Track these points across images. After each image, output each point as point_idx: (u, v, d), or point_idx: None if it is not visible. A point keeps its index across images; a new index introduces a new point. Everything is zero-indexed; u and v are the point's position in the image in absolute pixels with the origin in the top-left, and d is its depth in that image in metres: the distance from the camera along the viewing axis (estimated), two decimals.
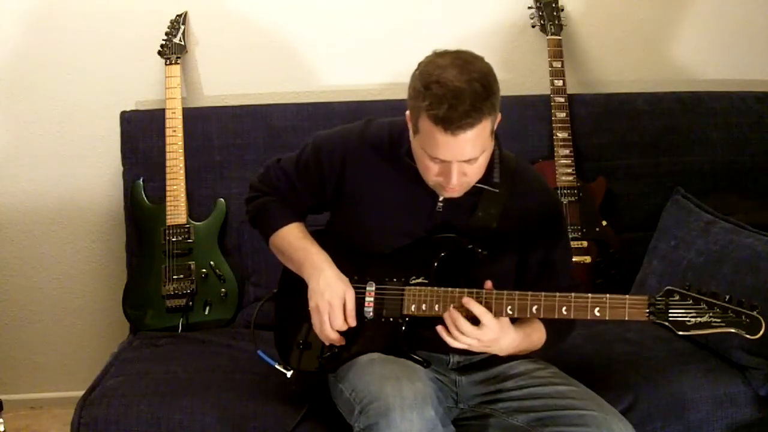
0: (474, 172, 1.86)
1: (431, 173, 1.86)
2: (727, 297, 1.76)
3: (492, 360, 2.05)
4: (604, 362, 2.35)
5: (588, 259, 2.78)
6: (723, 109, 2.99)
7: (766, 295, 1.92)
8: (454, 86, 1.74)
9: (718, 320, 1.75)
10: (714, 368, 2.32)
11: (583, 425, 1.83)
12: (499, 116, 1.85)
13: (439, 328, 1.87)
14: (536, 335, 1.99)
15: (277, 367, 2.10)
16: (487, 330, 1.85)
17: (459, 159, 1.80)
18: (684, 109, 2.98)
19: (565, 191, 2.81)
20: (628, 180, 2.92)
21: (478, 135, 1.77)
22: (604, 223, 2.83)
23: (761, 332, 1.73)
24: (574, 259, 2.75)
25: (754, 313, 1.74)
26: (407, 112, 1.87)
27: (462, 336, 1.85)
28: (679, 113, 2.97)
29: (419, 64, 1.83)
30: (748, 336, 1.74)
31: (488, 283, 1.90)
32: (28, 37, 2.91)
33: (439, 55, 1.82)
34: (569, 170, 2.83)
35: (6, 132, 2.97)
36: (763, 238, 2.40)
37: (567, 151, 2.84)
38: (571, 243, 2.74)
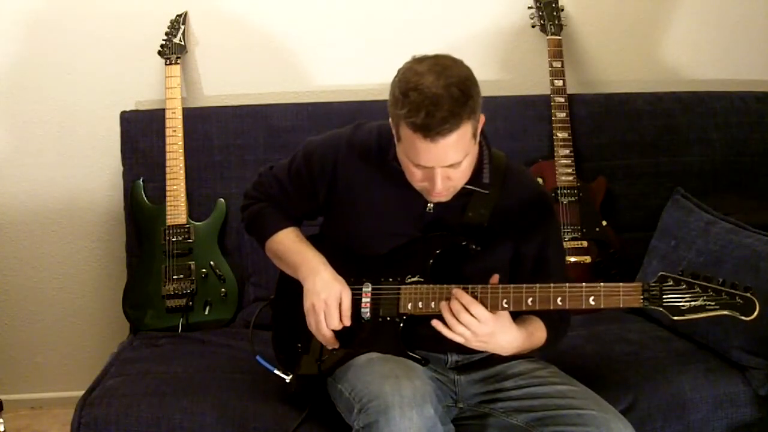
0: (459, 176, 1.87)
1: (416, 179, 1.87)
2: (721, 280, 1.77)
3: (491, 359, 2.06)
4: (604, 362, 2.35)
5: (588, 259, 2.78)
6: (723, 109, 2.99)
7: (766, 295, 1.92)
8: (432, 93, 1.74)
9: (713, 303, 1.75)
10: (714, 368, 2.32)
11: (583, 425, 1.83)
12: (482, 118, 1.85)
13: (435, 322, 1.87)
14: (538, 334, 1.99)
15: (276, 372, 2.10)
16: (482, 323, 1.84)
17: (441, 165, 1.81)
18: (684, 109, 2.98)
19: (565, 191, 2.81)
20: (628, 180, 2.92)
21: (458, 140, 1.77)
22: (604, 223, 2.83)
23: (755, 313, 1.73)
24: (574, 259, 2.76)
25: (748, 294, 1.74)
26: (390, 119, 1.87)
27: (458, 325, 1.84)
28: (679, 113, 2.97)
29: (398, 71, 1.83)
30: (742, 317, 1.73)
31: (495, 277, 1.90)
32: (28, 38, 2.91)
33: (417, 61, 1.82)
34: (569, 170, 2.83)
35: (6, 132, 2.97)
36: (763, 238, 2.40)
37: (567, 151, 2.84)
38: (571, 243, 2.76)
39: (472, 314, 1.84)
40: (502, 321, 1.88)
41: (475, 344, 1.88)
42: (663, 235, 2.70)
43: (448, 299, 1.88)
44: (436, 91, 1.74)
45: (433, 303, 1.93)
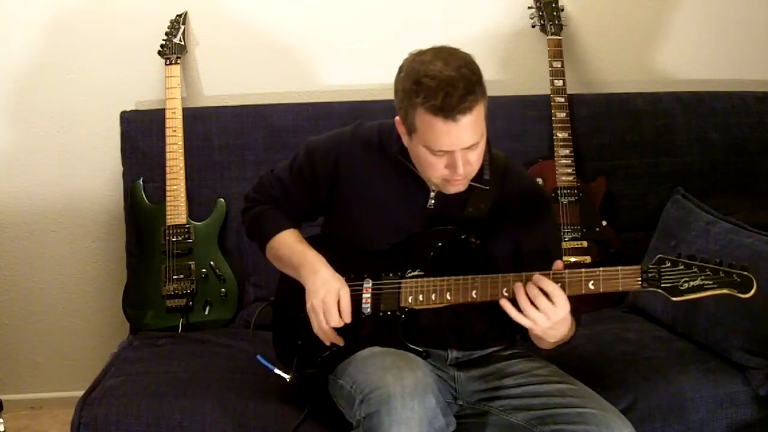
0: (476, 160, 1.89)
1: (436, 170, 1.88)
2: (718, 260, 1.77)
3: (491, 357, 2.07)
4: (604, 362, 2.35)
5: (588, 259, 2.78)
6: (723, 109, 2.99)
7: (767, 295, 1.92)
8: (446, 75, 1.78)
9: (710, 282, 1.75)
10: (714, 368, 2.32)
11: (583, 423, 1.83)
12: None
13: (504, 302, 1.83)
14: (573, 326, 1.96)
15: (276, 371, 2.10)
16: (558, 309, 1.81)
17: (462, 146, 1.83)
18: (684, 109, 2.98)
19: (565, 191, 2.81)
20: (628, 180, 2.92)
21: (476, 119, 1.81)
22: (604, 223, 2.83)
23: (753, 290, 1.73)
24: (574, 259, 2.76)
25: (745, 272, 1.74)
26: (396, 117, 1.90)
27: (531, 309, 1.80)
28: (679, 113, 2.97)
29: (401, 68, 1.86)
30: (740, 295, 1.74)
31: (558, 264, 1.87)
32: (28, 38, 2.92)
33: (419, 54, 1.85)
34: (569, 170, 2.83)
35: (6, 132, 2.97)
36: (763, 238, 2.40)
37: (567, 151, 2.84)
38: (571, 243, 2.76)
39: (551, 300, 1.80)
40: (569, 307, 1.85)
41: (541, 330, 1.84)
42: (663, 235, 2.70)
43: (449, 291, 1.90)
44: (449, 73, 1.78)
45: (433, 295, 1.94)
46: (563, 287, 1.83)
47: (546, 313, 1.81)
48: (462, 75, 1.78)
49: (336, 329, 2.00)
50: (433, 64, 1.79)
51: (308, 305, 1.99)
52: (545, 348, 1.96)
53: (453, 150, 1.83)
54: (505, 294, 1.87)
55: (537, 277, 1.84)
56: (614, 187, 2.90)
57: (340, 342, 2.00)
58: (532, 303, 1.81)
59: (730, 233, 2.48)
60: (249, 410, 2.14)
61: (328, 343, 2.01)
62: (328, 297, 1.97)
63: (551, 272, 1.85)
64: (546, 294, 1.80)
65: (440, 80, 1.77)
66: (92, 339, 3.11)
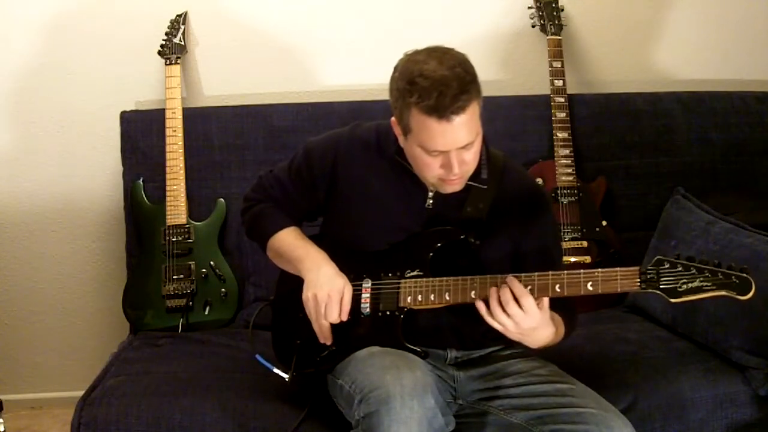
0: (472, 159, 1.89)
1: (432, 170, 1.88)
2: (717, 261, 1.77)
3: (490, 356, 2.07)
4: (604, 362, 2.35)
5: (588, 259, 2.78)
6: (723, 109, 2.99)
7: (767, 295, 1.92)
8: (439, 75, 1.78)
9: (709, 284, 1.75)
10: (714, 368, 2.32)
11: (582, 423, 1.83)
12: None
13: (479, 304, 1.84)
14: (561, 330, 1.97)
15: (275, 371, 2.10)
16: (528, 316, 1.81)
17: (457, 146, 1.83)
18: (684, 109, 2.98)
19: (565, 191, 2.81)
20: (628, 180, 2.92)
21: (470, 118, 1.81)
22: (604, 223, 2.83)
23: (751, 293, 1.73)
24: (574, 259, 2.76)
25: (744, 274, 1.74)
26: (392, 118, 1.90)
27: (501, 314, 1.81)
28: (679, 113, 2.97)
29: (395, 68, 1.87)
30: (739, 297, 1.74)
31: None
32: (28, 38, 2.92)
33: (413, 54, 1.86)
34: (569, 170, 2.83)
35: (6, 132, 2.97)
36: (763, 238, 2.40)
37: (567, 151, 2.84)
38: (571, 243, 2.76)
39: (520, 306, 1.81)
40: (545, 316, 1.85)
41: (513, 335, 1.85)
42: (663, 235, 2.70)
43: (447, 291, 1.90)
44: (443, 73, 1.78)
45: (432, 296, 1.94)
46: (562, 288, 1.83)
47: (515, 319, 1.81)
48: (455, 74, 1.78)
49: (334, 329, 2.00)
50: (427, 64, 1.80)
51: (308, 295, 1.98)
52: (535, 347, 1.95)
53: (448, 150, 1.83)
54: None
55: (510, 278, 1.84)
56: (614, 187, 2.90)
57: (330, 341, 2.00)
58: (503, 308, 1.81)
59: (730, 233, 2.48)
60: (249, 410, 2.14)
61: (320, 337, 2.01)
62: (333, 292, 1.97)
63: (549, 274, 1.85)
64: (516, 300, 1.80)
65: (434, 80, 1.77)
66: (92, 339, 3.11)
